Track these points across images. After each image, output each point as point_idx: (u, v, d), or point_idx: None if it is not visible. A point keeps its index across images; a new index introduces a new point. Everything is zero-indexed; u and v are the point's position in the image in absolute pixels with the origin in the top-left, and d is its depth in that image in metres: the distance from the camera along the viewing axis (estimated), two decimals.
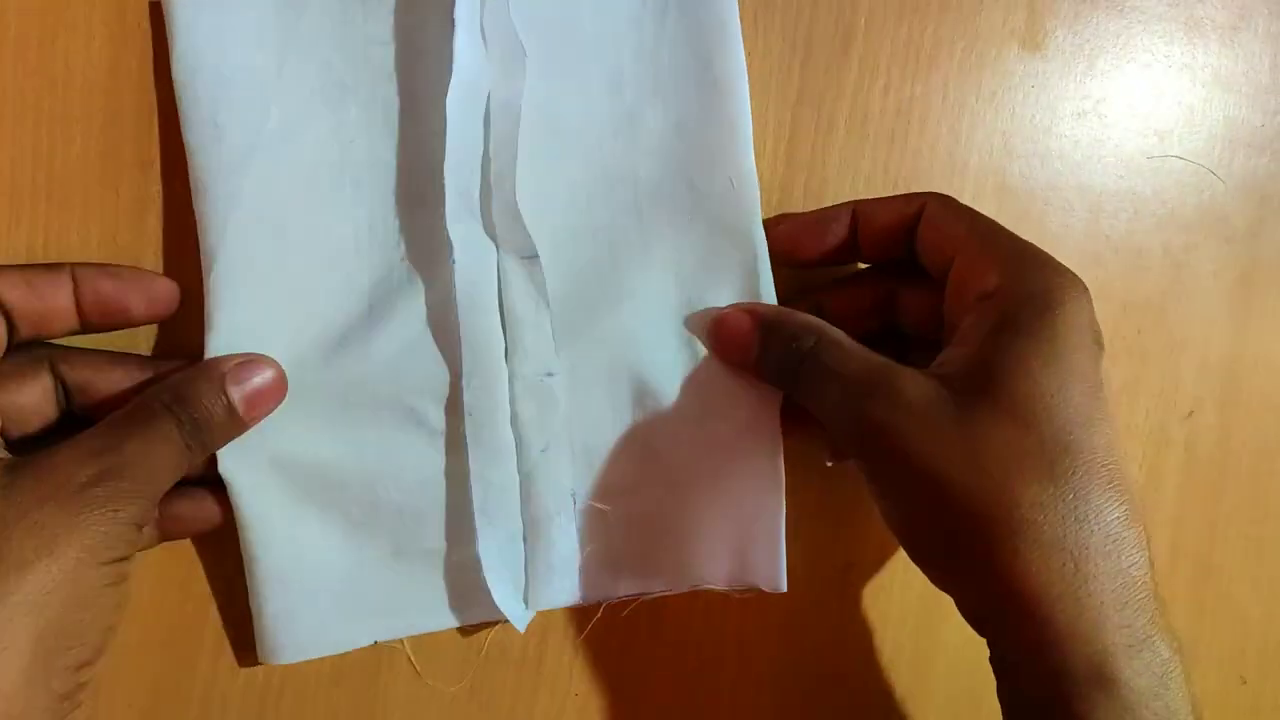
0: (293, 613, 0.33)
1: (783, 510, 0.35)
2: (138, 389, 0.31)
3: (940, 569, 0.30)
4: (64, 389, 0.31)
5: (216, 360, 0.31)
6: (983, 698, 0.37)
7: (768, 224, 0.34)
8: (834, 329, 0.32)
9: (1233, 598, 0.40)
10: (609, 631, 0.36)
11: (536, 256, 0.33)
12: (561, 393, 0.34)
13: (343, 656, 0.34)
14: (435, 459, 0.34)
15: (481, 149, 0.33)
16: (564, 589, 0.35)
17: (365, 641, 0.34)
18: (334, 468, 0.33)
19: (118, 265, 0.32)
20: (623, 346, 0.34)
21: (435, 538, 0.34)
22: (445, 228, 0.33)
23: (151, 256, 0.33)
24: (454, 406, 0.34)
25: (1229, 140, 0.39)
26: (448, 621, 0.35)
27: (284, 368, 0.32)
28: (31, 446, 0.29)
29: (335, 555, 0.33)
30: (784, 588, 0.34)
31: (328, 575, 0.33)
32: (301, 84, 0.33)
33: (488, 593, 0.34)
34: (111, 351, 0.32)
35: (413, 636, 0.34)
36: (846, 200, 0.34)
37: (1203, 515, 0.40)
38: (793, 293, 0.35)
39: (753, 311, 0.33)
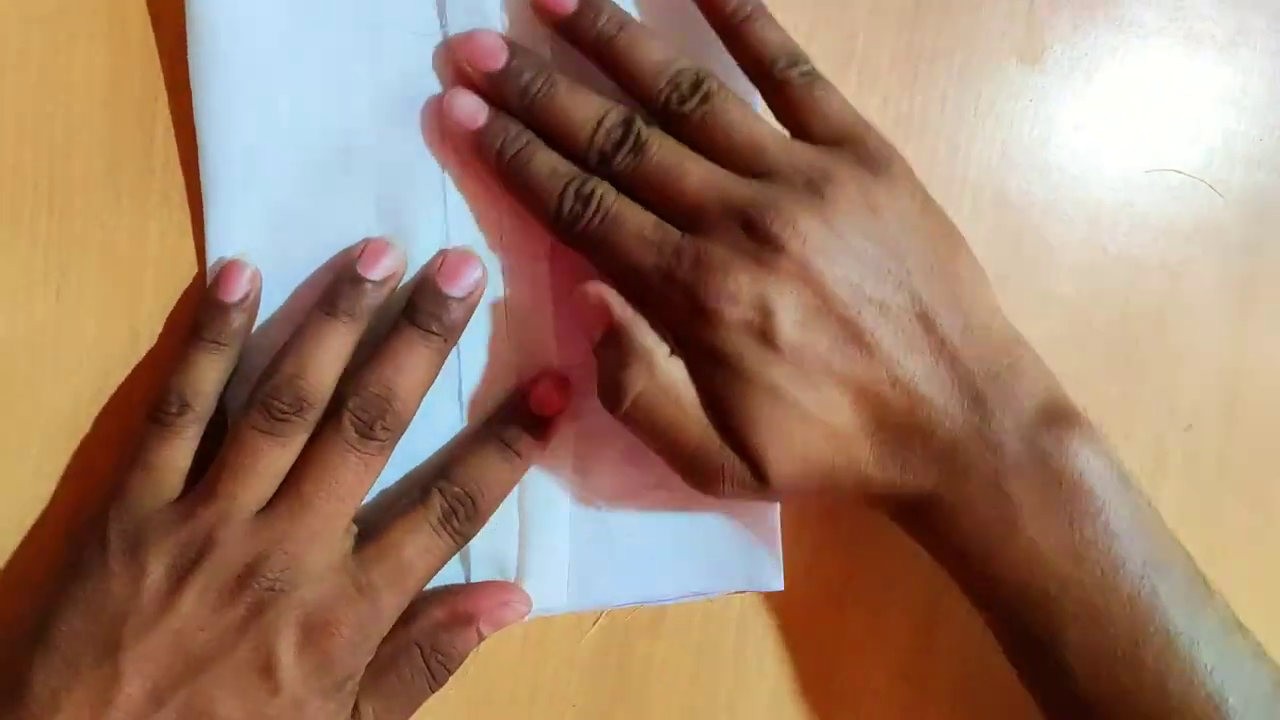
0: None
1: (778, 510, 0.35)
2: None
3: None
4: None
5: (473, 602, 0.33)
6: (985, 709, 0.37)
7: None
8: (657, 383, 0.30)
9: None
10: (607, 641, 0.36)
11: (544, 256, 0.34)
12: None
13: None
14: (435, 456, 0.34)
15: None
16: (558, 593, 0.35)
17: None
18: None
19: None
20: None
21: None
22: (449, 220, 0.33)
23: (152, 265, 0.33)
24: (456, 406, 0.34)
25: (1227, 154, 0.39)
26: None
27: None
28: None
29: None
30: (781, 586, 0.35)
31: None
32: (311, 74, 0.33)
33: None
34: None
35: None
36: None
37: (1202, 528, 0.39)
38: None
39: (608, 310, 0.31)
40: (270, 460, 0.30)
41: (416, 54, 0.33)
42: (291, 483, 0.31)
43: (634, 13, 0.34)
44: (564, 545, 0.35)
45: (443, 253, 0.33)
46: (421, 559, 0.31)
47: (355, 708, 0.31)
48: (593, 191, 0.31)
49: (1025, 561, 0.30)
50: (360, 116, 0.33)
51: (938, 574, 0.36)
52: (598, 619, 0.36)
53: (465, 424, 0.34)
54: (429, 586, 0.33)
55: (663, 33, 0.33)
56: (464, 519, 0.32)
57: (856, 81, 0.36)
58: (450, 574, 0.34)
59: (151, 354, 0.33)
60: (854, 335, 0.30)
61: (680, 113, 0.32)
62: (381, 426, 0.31)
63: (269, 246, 0.33)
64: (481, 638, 0.33)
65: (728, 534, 0.35)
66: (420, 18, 0.33)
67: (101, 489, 0.32)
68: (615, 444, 0.35)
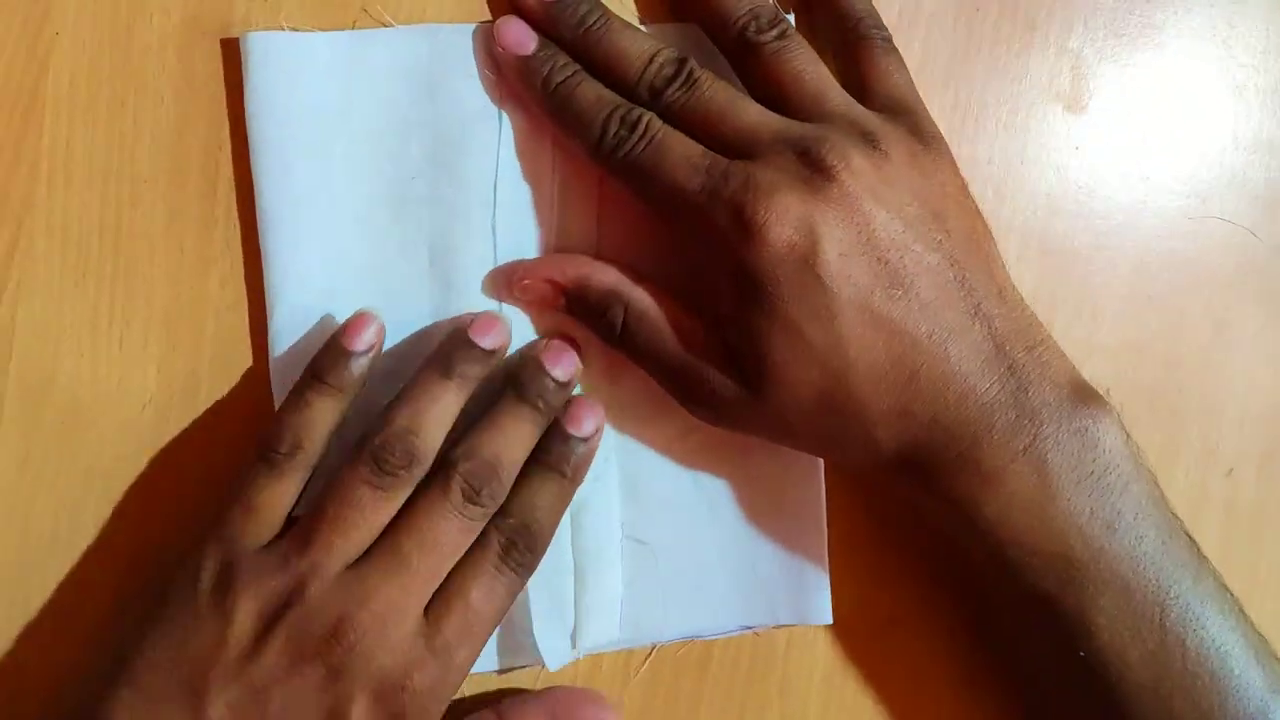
0: None
1: (825, 542, 0.36)
2: None
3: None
4: None
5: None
6: None
7: None
8: (638, 292, 0.32)
9: None
10: (655, 679, 0.36)
11: None
12: (611, 424, 0.35)
13: None
14: None
15: (531, 190, 0.34)
16: (611, 628, 0.35)
17: None
18: None
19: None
20: None
21: None
22: (499, 264, 0.34)
23: (213, 314, 0.34)
24: None
25: (1270, 202, 0.39)
26: (489, 664, 0.35)
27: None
28: None
29: None
30: (829, 619, 0.36)
31: None
32: (366, 121, 0.34)
33: (531, 634, 0.34)
34: None
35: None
36: None
37: (1242, 574, 0.40)
38: None
39: (554, 281, 0.33)
40: (373, 513, 0.30)
41: (468, 101, 0.34)
42: (389, 538, 0.30)
43: None
44: (617, 580, 0.35)
45: (546, 339, 0.34)
46: (489, 603, 0.31)
47: None
48: (639, 118, 0.31)
49: (1061, 531, 0.30)
50: (413, 163, 0.34)
51: (985, 607, 0.37)
52: (647, 657, 0.36)
53: None
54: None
55: None
56: (524, 550, 0.32)
57: None
58: (511, 619, 0.34)
59: (212, 402, 0.34)
60: (895, 278, 0.30)
61: (757, 41, 0.32)
62: (488, 495, 0.31)
63: (326, 294, 0.33)
64: None
65: (776, 567, 0.36)
66: (473, 68, 0.34)
67: (174, 528, 0.32)
68: (663, 477, 0.35)
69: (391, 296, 0.34)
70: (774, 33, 0.32)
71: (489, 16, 0.34)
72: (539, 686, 0.36)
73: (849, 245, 0.29)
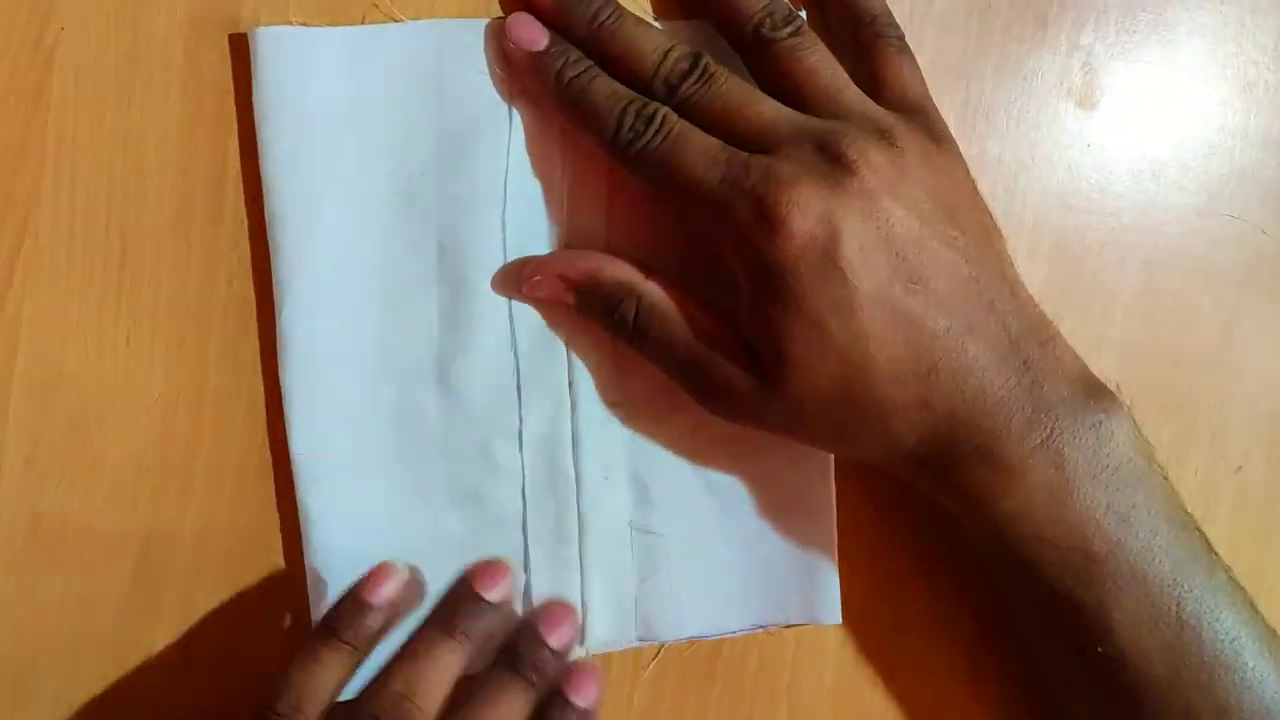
0: None
1: (835, 542, 0.35)
2: None
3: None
4: None
5: None
6: None
7: None
8: (649, 285, 0.32)
9: None
10: (663, 681, 0.36)
11: None
12: (620, 421, 0.35)
13: None
14: (506, 493, 0.34)
15: (541, 187, 0.34)
16: (623, 627, 0.35)
17: None
18: (399, 500, 0.34)
19: None
20: None
21: None
22: (508, 261, 0.34)
23: (220, 311, 0.33)
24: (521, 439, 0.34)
25: (1279, 200, 0.39)
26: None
27: (353, 402, 0.33)
28: None
29: None
30: (838, 619, 0.35)
31: None
32: (374, 119, 0.33)
33: None
34: None
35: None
36: None
37: (1250, 570, 0.40)
38: None
39: (565, 276, 0.33)
40: None
41: (477, 98, 0.34)
42: None
43: None
44: (629, 579, 0.35)
45: (544, 605, 0.33)
46: None
47: None
48: (655, 112, 0.31)
49: (1079, 525, 0.30)
50: (422, 159, 0.33)
51: (991, 608, 0.37)
52: (655, 657, 0.36)
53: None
54: None
55: None
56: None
57: None
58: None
59: (219, 399, 0.34)
60: (913, 273, 0.30)
61: (771, 37, 0.32)
62: None
63: (334, 292, 0.33)
64: None
65: (786, 566, 0.36)
66: (483, 64, 0.33)
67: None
68: (672, 476, 0.35)
69: (400, 293, 0.34)
70: (788, 29, 0.32)
71: (498, 12, 0.34)
72: None
73: (869, 239, 0.29)
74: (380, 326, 0.34)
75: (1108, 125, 0.38)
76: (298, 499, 0.33)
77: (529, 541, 0.34)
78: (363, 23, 0.33)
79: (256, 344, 0.34)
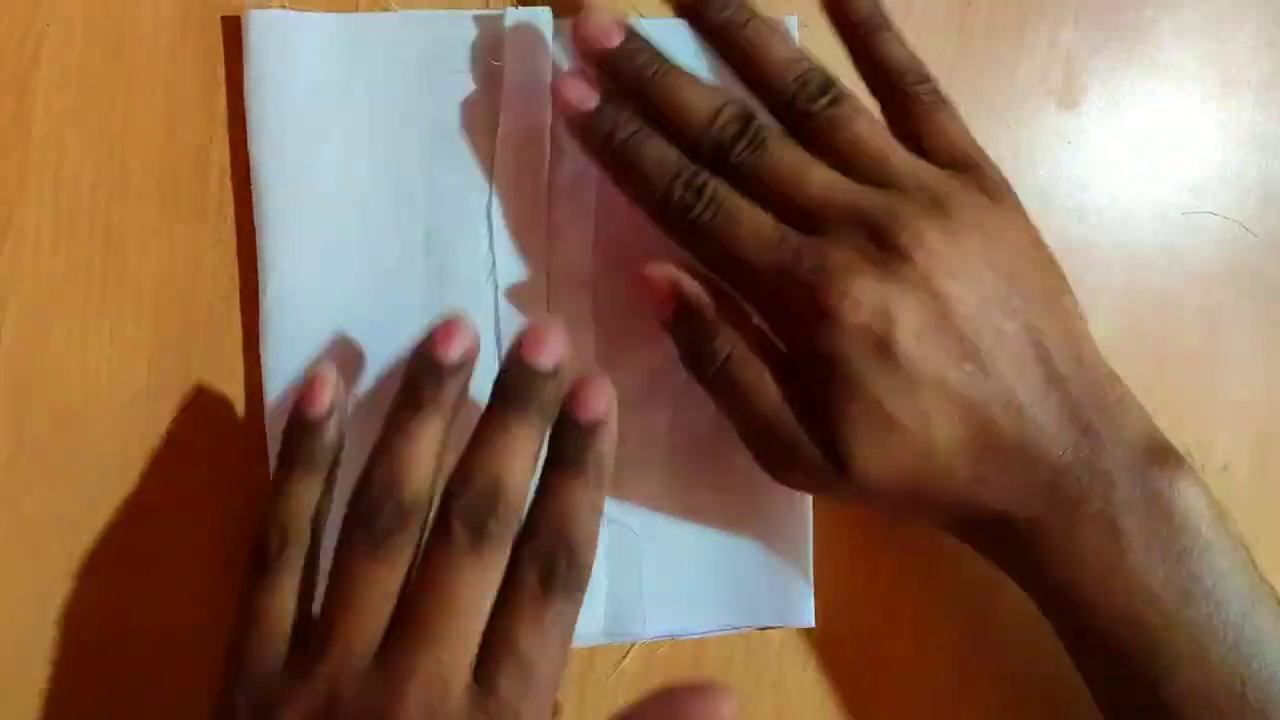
0: None
1: (809, 545, 0.35)
2: None
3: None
4: None
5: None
6: None
7: None
8: (744, 349, 0.31)
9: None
10: (648, 675, 0.36)
11: (587, 283, 0.35)
12: None
13: None
14: None
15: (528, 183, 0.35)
16: (592, 621, 0.35)
17: None
18: None
19: None
20: (660, 374, 0.35)
21: None
22: (494, 250, 0.34)
23: (205, 306, 0.34)
24: None
25: (1263, 196, 0.39)
26: None
27: (338, 389, 0.31)
28: None
29: None
30: (811, 622, 0.35)
31: None
32: (363, 106, 0.34)
33: None
34: None
35: None
36: None
37: None
38: None
39: (676, 287, 0.32)
40: (380, 588, 0.27)
41: (466, 88, 0.34)
42: (408, 608, 0.27)
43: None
44: (602, 574, 0.35)
45: (524, 326, 0.31)
46: (541, 645, 0.27)
47: None
48: (705, 183, 0.30)
49: (1132, 597, 0.30)
50: (411, 149, 0.34)
51: (976, 608, 0.36)
52: (626, 654, 0.36)
53: None
54: None
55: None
56: (566, 567, 0.28)
57: None
58: None
59: (203, 394, 0.34)
60: (970, 353, 0.29)
61: (807, 110, 0.31)
62: (495, 525, 0.27)
63: (321, 281, 0.33)
64: None
65: (760, 568, 0.36)
66: (472, 55, 0.34)
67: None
68: (648, 472, 0.35)
69: (385, 281, 0.34)
70: (825, 100, 0.31)
71: (491, 4, 0.34)
72: None
73: (925, 325, 0.29)
74: (364, 314, 0.34)
75: (1089, 123, 0.38)
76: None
77: None
78: (355, 11, 0.34)
79: (241, 339, 0.34)
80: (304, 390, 0.30)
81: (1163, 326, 0.39)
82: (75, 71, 0.33)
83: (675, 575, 0.35)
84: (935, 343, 0.29)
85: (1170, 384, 0.39)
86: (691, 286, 0.31)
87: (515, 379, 0.29)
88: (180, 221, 0.33)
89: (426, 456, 0.28)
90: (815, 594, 0.36)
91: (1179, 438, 0.39)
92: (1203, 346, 0.39)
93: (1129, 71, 0.38)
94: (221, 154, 0.33)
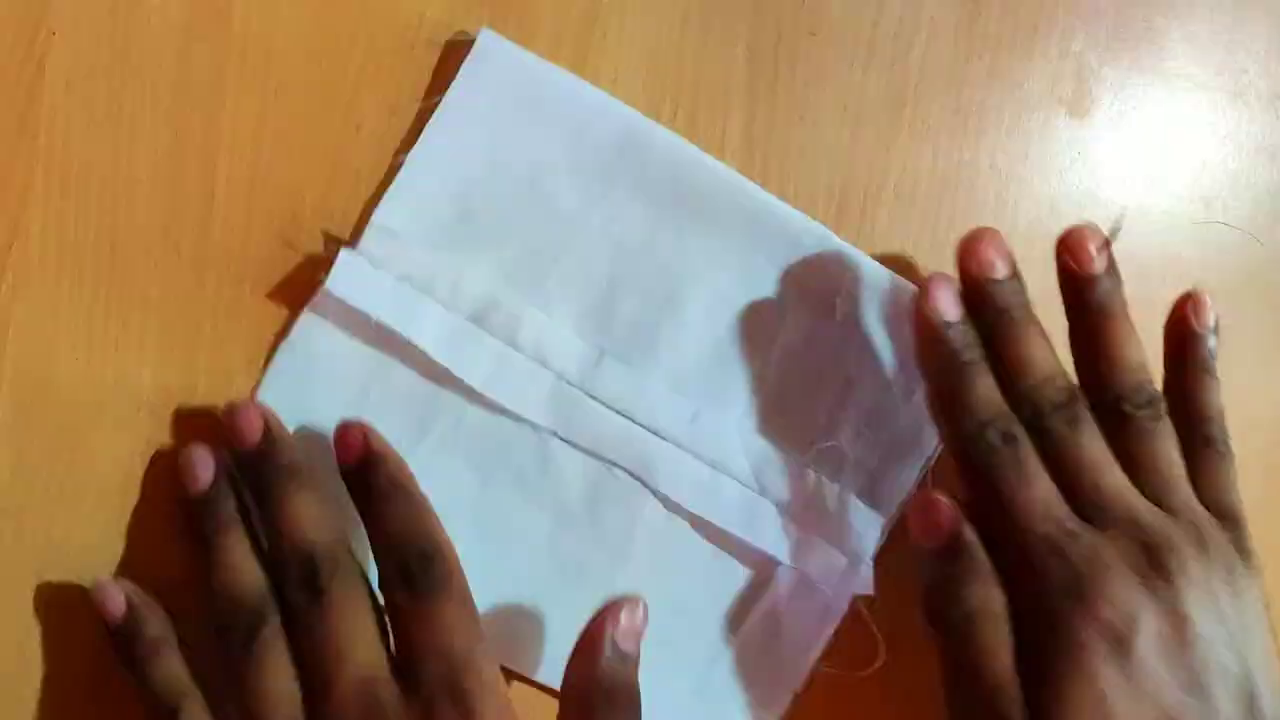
0: None
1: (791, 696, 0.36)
2: None
3: None
4: None
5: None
6: None
7: None
8: (997, 608, 0.32)
9: None
10: None
11: None
12: None
13: None
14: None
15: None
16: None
17: None
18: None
19: None
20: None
21: None
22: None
23: (209, 316, 0.34)
24: None
25: (1273, 207, 0.39)
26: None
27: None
28: None
29: None
30: None
31: None
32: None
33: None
34: None
35: None
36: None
37: None
38: None
39: (958, 522, 0.32)
40: (270, 672, 0.31)
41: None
42: (304, 675, 0.31)
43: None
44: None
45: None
46: (434, 635, 0.30)
47: None
48: (1018, 437, 0.32)
49: None
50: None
51: None
52: None
53: None
54: None
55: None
56: (421, 568, 0.31)
57: (908, 134, 0.37)
58: None
59: (208, 404, 0.34)
60: (1195, 684, 0.30)
61: (1127, 413, 0.33)
62: (324, 577, 0.31)
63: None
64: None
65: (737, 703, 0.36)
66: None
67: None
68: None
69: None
70: (1148, 411, 0.33)
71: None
72: None
73: (1163, 643, 0.30)
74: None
75: (1099, 133, 0.38)
76: None
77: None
78: None
79: (245, 349, 0.34)
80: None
81: None
82: (81, 79, 0.33)
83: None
84: (1167, 663, 0.30)
85: None
86: (970, 528, 0.32)
87: (252, 470, 0.32)
88: (186, 233, 0.33)
89: (245, 565, 0.32)
90: None
91: None
92: None
93: (1139, 81, 0.38)
94: (227, 163, 0.33)
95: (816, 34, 0.35)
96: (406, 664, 0.30)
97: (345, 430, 0.32)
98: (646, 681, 0.30)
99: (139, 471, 0.33)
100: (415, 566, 0.31)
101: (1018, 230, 0.37)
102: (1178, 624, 0.30)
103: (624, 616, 0.30)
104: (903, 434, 0.36)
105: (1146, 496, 0.32)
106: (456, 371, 0.33)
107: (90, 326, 0.33)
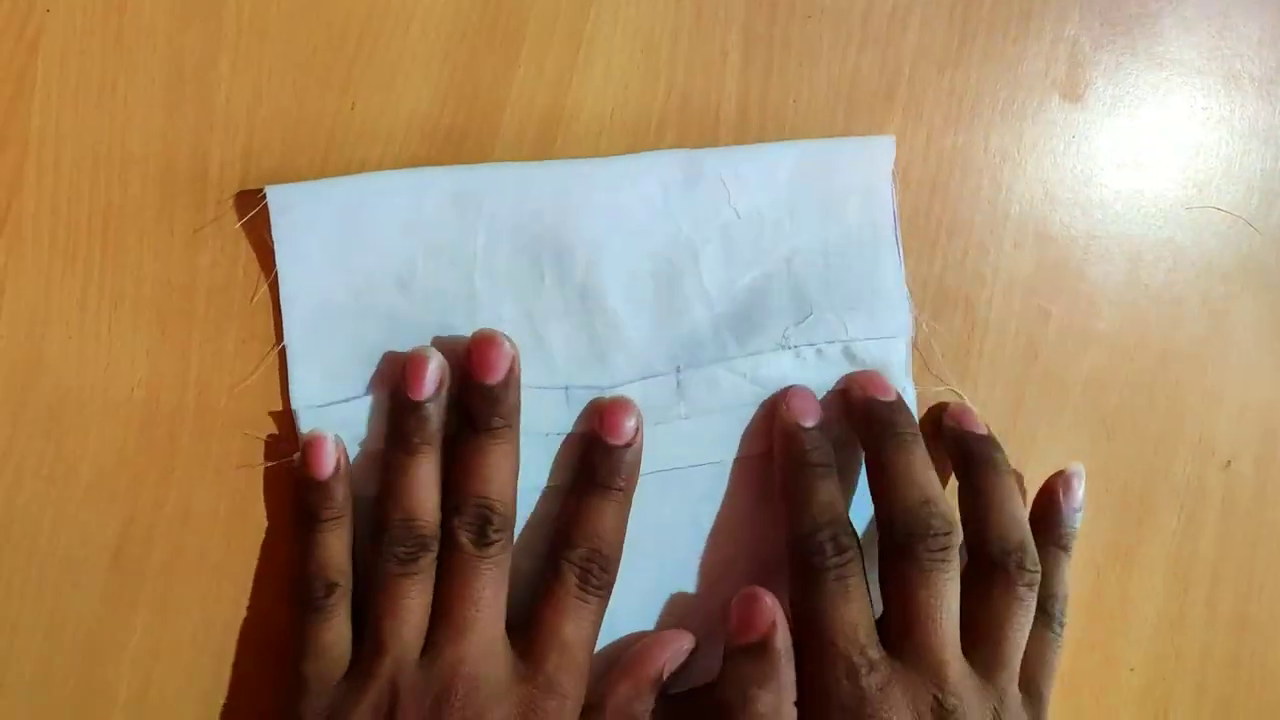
0: None
1: None
2: None
3: None
4: None
5: (651, 663, 0.34)
6: None
7: None
8: (787, 711, 0.32)
9: (1270, 651, 0.40)
10: None
11: None
12: None
13: None
14: None
15: None
16: None
17: None
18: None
19: None
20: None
21: None
22: None
23: (203, 297, 0.33)
24: None
25: (1266, 192, 0.39)
26: None
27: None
28: None
29: None
30: None
31: None
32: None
33: None
34: None
35: None
36: None
37: (1240, 566, 0.40)
38: None
39: (776, 625, 0.33)
40: (416, 598, 0.32)
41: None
42: (441, 610, 0.32)
43: None
44: None
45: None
46: (579, 631, 0.32)
47: None
48: (849, 549, 0.33)
49: None
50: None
51: None
52: None
53: None
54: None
55: None
56: (599, 573, 0.33)
57: (902, 118, 0.37)
58: None
59: (201, 385, 0.34)
60: None
61: (1006, 570, 0.33)
62: (493, 530, 0.32)
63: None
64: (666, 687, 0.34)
65: None
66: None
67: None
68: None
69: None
70: (1025, 576, 0.33)
71: None
72: None
73: None
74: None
75: (1093, 117, 0.38)
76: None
77: None
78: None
79: (239, 331, 0.34)
80: (307, 453, 0.33)
81: (1166, 321, 0.39)
82: (74, 60, 0.32)
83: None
84: None
85: (1173, 380, 0.39)
86: (786, 633, 0.33)
87: (478, 402, 0.33)
88: (178, 214, 0.33)
89: (428, 489, 0.33)
90: None
91: (1182, 433, 0.39)
92: (1206, 342, 0.39)
93: (1133, 65, 0.38)
94: (219, 144, 0.33)
95: (811, 16, 0.35)
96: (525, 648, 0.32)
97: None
98: None
99: (133, 455, 0.33)
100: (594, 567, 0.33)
101: (1011, 214, 0.37)
102: None
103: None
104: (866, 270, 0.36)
105: (975, 659, 0.32)
106: None
107: (83, 307, 0.33)
